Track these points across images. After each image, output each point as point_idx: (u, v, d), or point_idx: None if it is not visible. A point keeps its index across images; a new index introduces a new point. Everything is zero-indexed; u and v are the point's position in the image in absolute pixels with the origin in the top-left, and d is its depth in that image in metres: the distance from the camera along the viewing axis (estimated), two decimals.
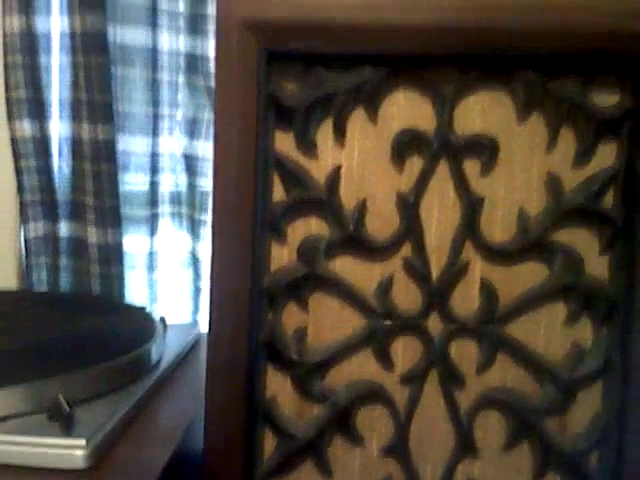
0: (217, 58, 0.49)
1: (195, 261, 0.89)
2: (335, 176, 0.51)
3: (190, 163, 0.88)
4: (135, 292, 0.88)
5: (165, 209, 0.89)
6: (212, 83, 0.84)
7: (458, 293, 0.51)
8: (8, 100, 0.83)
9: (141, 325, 0.66)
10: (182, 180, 0.89)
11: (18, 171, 0.84)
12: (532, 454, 0.52)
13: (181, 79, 0.86)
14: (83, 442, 0.45)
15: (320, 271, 0.51)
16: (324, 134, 0.51)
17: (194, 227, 0.88)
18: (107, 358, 0.57)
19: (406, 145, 0.50)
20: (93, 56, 0.81)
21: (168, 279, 0.90)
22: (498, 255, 0.51)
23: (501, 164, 0.50)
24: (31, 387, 0.50)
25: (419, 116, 0.50)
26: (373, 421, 0.52)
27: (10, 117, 0.83)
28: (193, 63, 0.85)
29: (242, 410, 0.51)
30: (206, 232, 0.88)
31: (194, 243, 0.89)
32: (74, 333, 0.62)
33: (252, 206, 0.50)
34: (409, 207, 0.51)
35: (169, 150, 0.88)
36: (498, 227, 0.51)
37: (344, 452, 0.53)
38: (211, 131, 0.86)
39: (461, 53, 0.49)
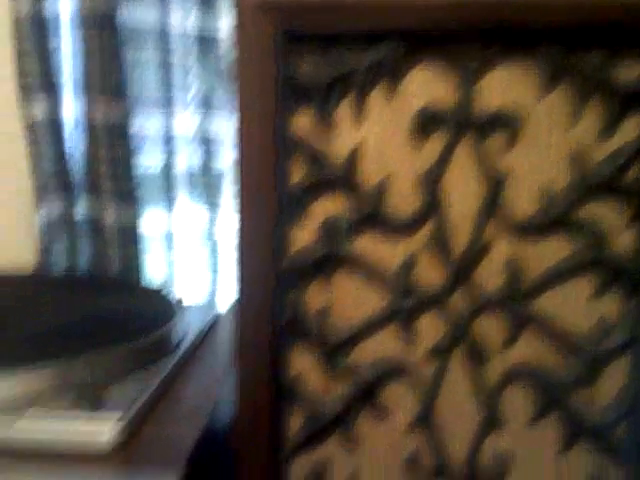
0: (235, 41, 0.49)
1: (212, 240, 0.89)
2: (355, 155, 0.50)
3: (204, 144, 0.87)
4: (153, 272, 0.89)
5: (180, 190, 0.89)
6: (224, 64, 0.84)
7: (482, 270, 0.51)
8: (20, 85, 0.82)
9: (161, 306, 0.67)
10: (196, 161, 0.89)
11: (32, 154, 0.84)
12: (559, 427, 0.52)
13: (193, 60, 0.85)
14: (114, 420, 0.46)
15: (342, 251, 0.51)
16: (343, 113, 0.50)
17: (210, 207, 0.88)
18: (130, 339, 0.57)
19: (427, 122, 0.50)
20: (104, 38, 0.80)
21: (185, 259, 0.90)
22: (522, 231, 0.50)
23: (524, 140, 0.50)
24: (59, 367, 0.50)
25: (440, 93, 0.50)
26: (399, 397, 0.53)
27: (23, 101, 0.83)
28: (205, 44, 0.84)
29: (269, 388, 0.51)
30: (223, 212, 0.88)
31: (211, 223, 0.89)
32: (96, 314, 0.62)
33: (274, 188, 0.50)
34: (431, 185, 0.50)
35: (183, 131, 0.88)
36: (522, 203, 0.50)
37: (370, 428, 0.53)
38: (224, 112, 0.86)
39: (481, 28, 0.48)
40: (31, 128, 0.83)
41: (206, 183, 0.88)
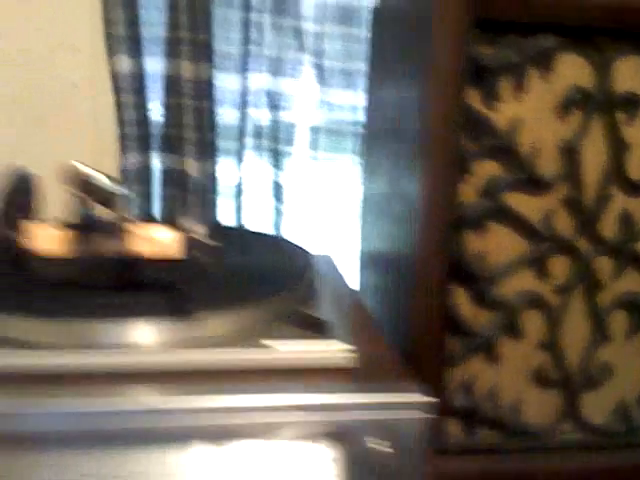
0: (433, 20, 0.57)
1: (278, 188, 0.97)
2: (514, 125, 0.61)
3: (274, 99, 0.94)
4: (222, 216, 0.96)
5: (250, 141, 0.95)
6: (300, 24, 0.91)
7: (602, 220, 0.64)
8: (108, 36, 0.85)
9: (296, 253, 0.74)
10: (266, 115, 0.95)
11: (118, 105, 0.88)
12: None
13: (268, 19, 0.91)
14: (345, 342, 0.55)
15: (499, 205, 0.62)
16: (505, 90, 0.61)
17: (277, 158, 0.96)
18: (292, 284, 0.65)
19: (571, 99, 0.61)
20: None
21: (253, 204, 0.98)
22: (635, 189, 0.64)
23: None
24: (272, 303, 0.59)
25: (582, 75, 0.61)
26: (532, 322, 0.65)
27: (110, 53, 0.86)
28: (280, 3, 0.90)
29: (438, 317, 0.62)
30: (289, 163, 0.96)
31: (276, 172, 0.96)
32: (251, 262, 0.69)
33: (450, 151, 0.60)
34: (571, 151, 0.62)
35: (256, 86, 0.94)
36: (636, 167, 0.63)
37: (507, 347, 0.65)
38: (296, 69, 0.93)
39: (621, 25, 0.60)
40: (117, 79, 0.87)
41: (274, 134, 0.95)
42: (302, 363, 0.55)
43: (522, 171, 0.62)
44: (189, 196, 0.91)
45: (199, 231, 0.55)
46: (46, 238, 0.54)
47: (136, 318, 0.54)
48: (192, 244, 0.54)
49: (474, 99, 0.61)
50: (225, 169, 0.95)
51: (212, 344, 0.55)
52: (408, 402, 0.52)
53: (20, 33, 0.85)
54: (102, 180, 0.53)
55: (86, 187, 0.52)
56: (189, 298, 0.56)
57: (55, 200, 0.64)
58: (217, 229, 0.83)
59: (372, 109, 0.80)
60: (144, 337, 0.54)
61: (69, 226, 0.54)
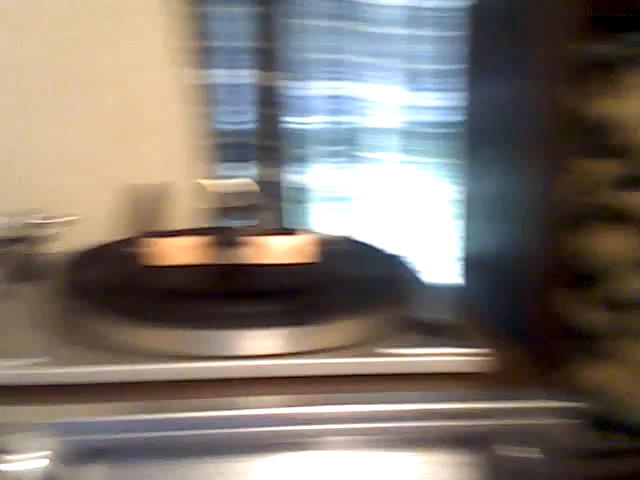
0: (545, 21, 0.57)
1: (346, 193, 0.97)
2: (617, 123, 0.61)
3: (340, 103, 0.94)
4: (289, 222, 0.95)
5: (317, 146, 0.95)
6: (371, 29, 0.90)
7: None
8: (187, 49, 0.85)
9: (390, 257, 0.74)
10: (331, 119, 0.95)
11: (194, 116, 0.88)
12: None
13: (333, 24, 0.91)
14: (480, 348, 0.54)
15: (603, 204, 0.62)
16: (606, 87, 0.61)
17: (345, 162, 0.95)
18: (400, 291, 0.64)
19: None
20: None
21: (319, 210, 0.97)
22: None
23: None
24: (387, 310, 0.58)
25: None
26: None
27: (189, 65, 0.86)
28: (348, 9, 0.90)
29: (551, 317, 0.62)
30: (364, 167, 0.95)
31: (345, 177, 0.96)
32: (352, 268, 0.68)
33: (559, 150, 0.59)
34: None
35: (319, 92, 0.93)
36: None
37: (617, 346, 0.65)
38: (361, 74, 0.93)
39: None
40: (193, 90, 0.87)
41: (337, 139, 0.95)
42: (429, 369, 0.54)
43: (626, 168, 0.62)
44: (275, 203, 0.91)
45: (322, 239, 0.54)
46: (170, 249, 0.54)
47: (255, 327, 0.54)
48: (318, 253, 0.54)
49: (578, 97, 0.60)
50: (296, 175, 0.94)
51: (331, 352, 0.55)
52: (551, 408, 0.51)
53: (105, 53, 0.86)
54: (229, 192, 0.53)
55: (213, 200, 0.52)
56: (308, 307, 0.56)
57: (176, 212, 0.64)
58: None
59: (471, 109, 0.79)
60: (265, 346, 0.54)
61: (194, 237, 0.54)
